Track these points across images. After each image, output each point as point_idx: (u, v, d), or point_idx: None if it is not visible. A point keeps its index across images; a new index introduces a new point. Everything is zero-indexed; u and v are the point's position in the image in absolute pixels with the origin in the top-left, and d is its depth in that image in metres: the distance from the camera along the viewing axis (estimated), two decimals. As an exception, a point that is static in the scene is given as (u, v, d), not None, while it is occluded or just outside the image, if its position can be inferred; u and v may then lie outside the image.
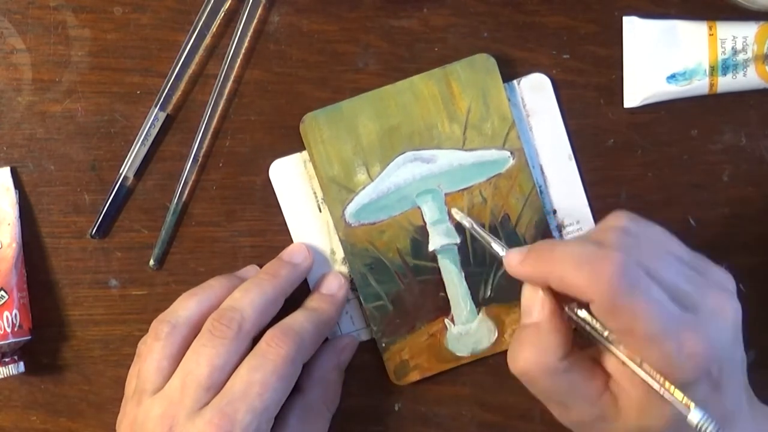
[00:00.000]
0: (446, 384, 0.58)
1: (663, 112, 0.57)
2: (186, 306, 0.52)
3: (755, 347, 0.58)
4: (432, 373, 0.56)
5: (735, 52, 0.55)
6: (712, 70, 0.55)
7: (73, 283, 0.56)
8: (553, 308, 0.47)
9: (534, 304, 0.47)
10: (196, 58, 0.55)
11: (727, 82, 0.56)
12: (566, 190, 0.56)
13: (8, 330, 0.54)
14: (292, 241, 0.56)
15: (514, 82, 0.56)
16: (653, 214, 0.57)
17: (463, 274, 0.55)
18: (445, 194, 0.55)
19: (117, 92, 0.56)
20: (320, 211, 0.56)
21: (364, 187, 0.55)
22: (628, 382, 0.46)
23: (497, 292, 0.55)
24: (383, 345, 0.56)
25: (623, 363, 0.46)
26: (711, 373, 0.44)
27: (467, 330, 0.56)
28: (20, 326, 0.54)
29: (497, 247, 0.50)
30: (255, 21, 0.55)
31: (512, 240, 0.55)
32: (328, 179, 0.54)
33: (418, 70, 0.55)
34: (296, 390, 0.51)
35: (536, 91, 0.56)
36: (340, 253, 0.55)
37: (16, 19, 0.55)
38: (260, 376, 0.48)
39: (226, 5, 0.55)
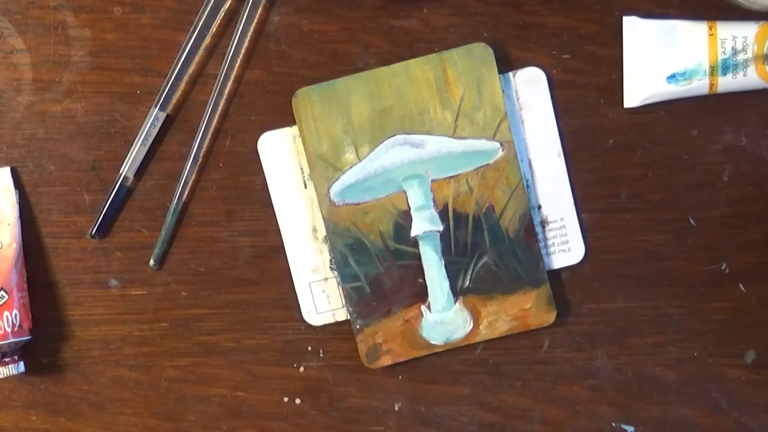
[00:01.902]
0: (446, 384, 0.58)
1: (663, 112, 0.57)
2: None
3: (755, 347, 0.58)
4: (404, 359, 0.56)
5: (735, 52, 0.55)
6: (712, 70, 0.55)
7: (73, 283, 0.56)
8: None
9: None
10: (196, 58, 0.55)
11: (727, 82, 0.56)
12: (553, 187, 0.56)
13: (8, 330, 0.54)
14: (273, 206, 0.56)
15: (510, 74, 0.56)
16: (653, 214, 0.57)
17: (443, 262, 0.55)
18: (432, 181, 0.55)
19: (117, 92, 0.56)
20: (305, 187, 0.56)
21: (351, 167, 0.54)
22: None
23: (476, 283, 0.55)
24: (357, 327, 0.55)
25: None
26: None
27: (443, 318, 0.55)
28: (20, 326, 0.54)
29: None
30: (255, 21, 0.55)
31: (495, 232, 0.55)
32: (316, 156, 0.54)
33: (418, 70, 0.55)
34: None
35: (531, 85, 0.56)
36: (321, 231, 0.55)
37: (16, 19, 0.55)
38: None
39: (226, 5, 0.55)
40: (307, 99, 0.54)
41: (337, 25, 0.56)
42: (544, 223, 0.56)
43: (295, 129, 0.55)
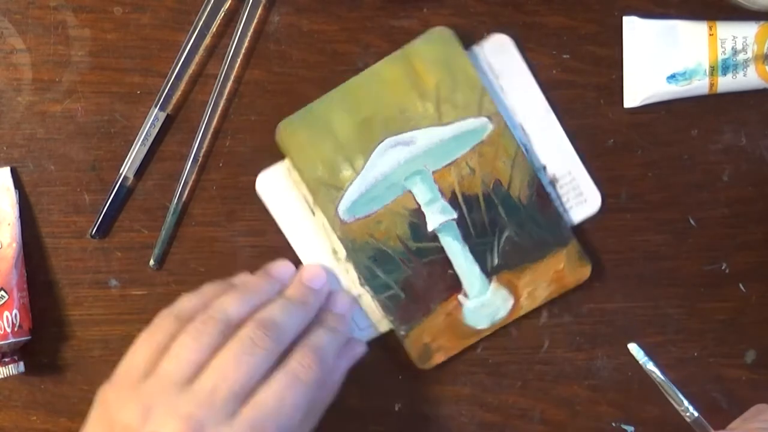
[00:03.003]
0: (446, 384, 0.58)
1: (663, 112, 0.57)
2: (235, 305, 0.50)
3: (755, 347, 0.58)
4: (456, 351, 0.56)
5: (735, 52, 0.55)
6: (712, 70, 0.55)
7: (73, 283, 0.56)
8: None
9: None
10: (196, 58, 0.55)
11: (727, 82, 0.56)
12: (551, 143, 0.56)
13: (8, 330, 0.54)
14: (289, 242, 0.56)
15: (475, 47, 0.55)
16: (653, 214, 0.57)
17: (467, 247, 0.55)
18: (433, 172, 0.55)
19: (117, 92, 0.56)
20: (314, 214, 0.55)
21: (351, 182, 0.54)
22: None
23: (504, 259, 0.55)
24: (402, 333, 0.55)
25: None
26: None
27: (482, 302, 0.55)
28: (20, 326, 0.54)
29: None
30: (255, 21, 0.55)
31: (508, 204, 0.55)
32: (315, 181, 0.54)
33: (418, 70, 0.55)
34: None
35: (500, 53, 0.55)
36: (342, 252, 0.55)
37: (16, 19, 0.55)
38: (292, 396, 0.48)
39: (226, 5, 0.55)
40: (290, 130, 0.54)
41: (337, 25, 0.56)
42: (553, 182, 0.56)
43: (287, 162, 0.55)
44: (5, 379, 0.55)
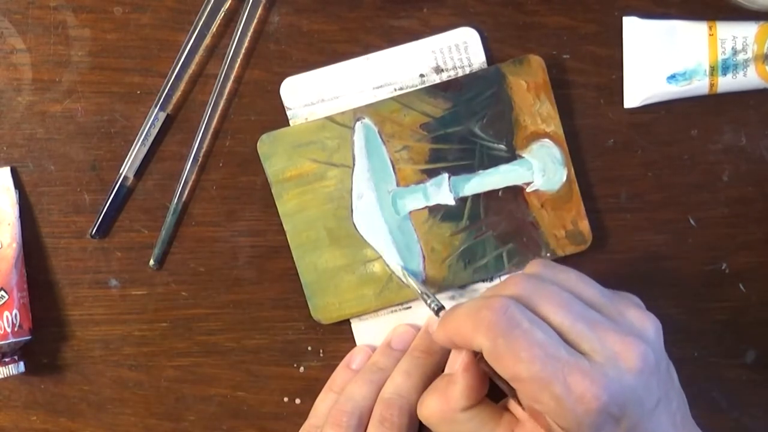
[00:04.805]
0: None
1: (663, 112, 0.57)
2: (363, 394, 0.53)
3: (755, 347, 0.58)
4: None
5: (735, 52, 0.55)
6: (712, 70, 0.55)
7: (73, 283, 0.56)
8: (467, 362, 0.48)
9: (455, 357, 0.49)
10: (196, 58, 0.55)
11: (727, 82, 0.56)
12: None
13: (8, 330, 0.54)
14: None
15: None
16: (653, 214, 0.57)
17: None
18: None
19: (117, 92, 0.56)
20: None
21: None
22: (531, 427, 0.48)
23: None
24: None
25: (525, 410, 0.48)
26: (613, 416, 0.44)
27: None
28: (20, 326, 0.54)
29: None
30: (255, 21, 0.55)
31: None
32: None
33: (418, 70, 0.55)
34: None
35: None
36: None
37: (16, 19, 0.55)
38: None
39: (226, 5, 0.55)
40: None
41: (337, 25, 0.56)
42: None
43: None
44: (5, 379, 0.55)
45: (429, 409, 0.50)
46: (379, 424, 0.51)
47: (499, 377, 0.46)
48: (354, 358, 0.56)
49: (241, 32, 0.55)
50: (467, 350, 0.48)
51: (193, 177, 0.56)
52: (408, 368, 0.53)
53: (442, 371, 0.52)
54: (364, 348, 0.56)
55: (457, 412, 0.49)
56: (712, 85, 0.56)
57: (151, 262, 0.56)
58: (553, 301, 0.45)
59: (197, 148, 0.55)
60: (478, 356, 0.47)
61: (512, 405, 0.50)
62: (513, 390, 0.46)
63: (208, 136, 0.56)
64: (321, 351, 0.57)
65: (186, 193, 0.56)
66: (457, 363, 0.49)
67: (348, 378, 0.55)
